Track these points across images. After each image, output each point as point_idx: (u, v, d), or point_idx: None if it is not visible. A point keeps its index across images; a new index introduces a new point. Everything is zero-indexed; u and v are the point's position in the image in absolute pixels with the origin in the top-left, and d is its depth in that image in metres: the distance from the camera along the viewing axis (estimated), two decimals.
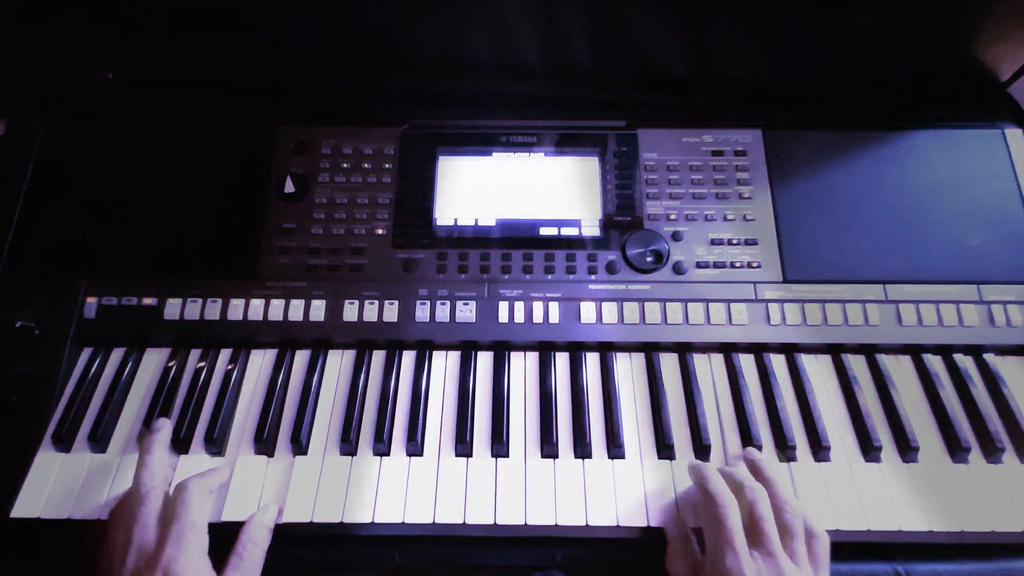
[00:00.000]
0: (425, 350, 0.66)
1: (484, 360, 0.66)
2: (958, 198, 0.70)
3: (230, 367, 0.65)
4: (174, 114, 0.75)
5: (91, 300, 0.66)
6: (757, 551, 0.49)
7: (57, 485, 0.58)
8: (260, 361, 0.66)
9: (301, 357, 0.66)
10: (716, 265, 0.68)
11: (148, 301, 0.66)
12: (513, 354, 0.66)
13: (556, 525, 0.55)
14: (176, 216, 0.70)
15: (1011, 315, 0.65)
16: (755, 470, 0.55)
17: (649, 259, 0.68)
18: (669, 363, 0.65)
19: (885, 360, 0.65)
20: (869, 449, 0.59)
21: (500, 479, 0.58)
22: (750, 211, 0.70)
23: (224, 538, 0.52)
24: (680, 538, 0.54)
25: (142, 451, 0.56)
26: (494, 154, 0.73)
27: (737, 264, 0.68)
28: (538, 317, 0.66)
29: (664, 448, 0.59)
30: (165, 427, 0.59)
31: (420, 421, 0.61)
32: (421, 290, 0.67)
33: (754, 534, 0.49)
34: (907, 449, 0.59)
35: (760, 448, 0.60)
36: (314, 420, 0.62)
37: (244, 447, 0.60)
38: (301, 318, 0.65)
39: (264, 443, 0.60)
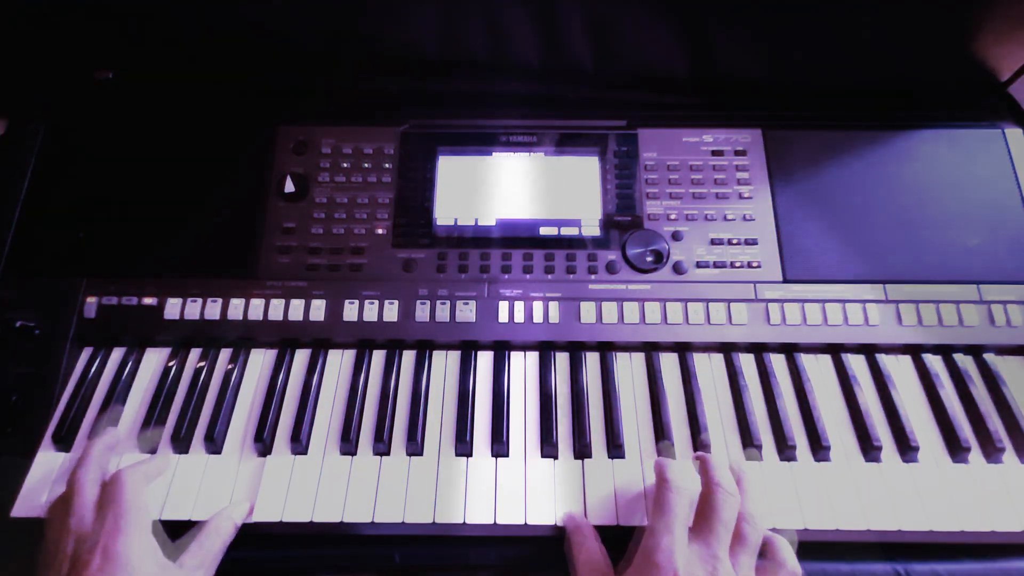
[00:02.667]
0: (425, 350, 0.66)
1: (484, 360, 0.66)
2: (958, 198, 0.70)
3: (230, 367, 0.65)
4: (174, 114, 0.75)
5: (91, 300, 0.66)
6: (698, 544, 0.47)
7: (57, 485, 0.58)
8: (260, 361, 0.66)
9: (301, 357, 0.66)
10: (716, 265, 0.68)
11: (148, 301, 0.66)
12: (513, 354, 0.66)
13: (556, 525, 0.55)
14: (176, 216, 0.70)
15: (1011, 315, 0.65)
16: (737, 480, 0.53)
17: (649, 259, 0.68)
18: (669, 363, 0.65)
19: (885, 360, 0.65)
20: (869, 449, 0.59)
21: (500, 479, 0.58)
22: (750, 211, 0.70)
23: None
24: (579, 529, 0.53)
25: (83, 452, 0.55)
26: (494, 154, 0.73)
27: (737, 264, 0.68)
28: (538, 317, 0.66)
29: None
30: (108, 432, 0.59)
31: (420, 421, 0.61)
32: (421, 290, 0.67)
33: (703, 527, 0.48)
34: (907, 449, 0.59)
35: (760, 448, 0.59)
36: (314, 420, 0.62)
37: (244, 447, 0.60)
38: (301, 318, 0.65)
39: (264, 443, 0.60)
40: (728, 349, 0.66)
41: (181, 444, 0.60)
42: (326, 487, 0.57)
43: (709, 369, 0.65)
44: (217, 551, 0.52)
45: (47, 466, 0.59)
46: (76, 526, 0.50)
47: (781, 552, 0.50)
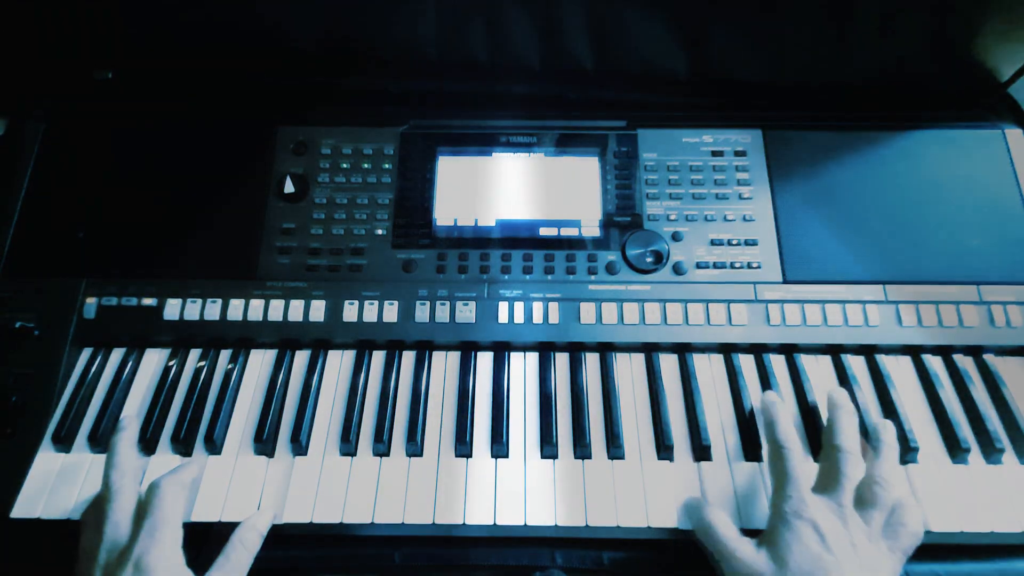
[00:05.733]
0: (425, 350, 0.66)
1: (484, 360, 0.66)
2: (958, 198, 0.70)
3: (230, 367, 0.65)
4: (174, 114, 0.75)
5: (91, 300, 0.66)
6: (825, 495, 0.48)
7: (57, 485, 0.58)
8: (260, 361, 0.66)
9: (301, 357, 0.66)
10: (716, 265, 0.68)
11: (148, 301, 0.66)
12: (513, 354, 0.66)
13: (556, 525, 0.55)
14: (176, 216, 0.70)
15: (1011, 316, 0.65)
16: (876, 436, 0.55)
17: (649, 259, 0.68)
18: (669, 363, 0.65)
19: (885, 361, 0.65)
20: None
21: (500, 479, 0.58)
22: (750, 211, 0.70)
23: (218, 539, 0.52)
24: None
25: (110, 450, 0.55)
26: (494, 154, 0.73)
27: (737, 264, 0.68)
28: (538, 317, 0.66)
29: (664, 448, 0.59)
30: (131, 424, 0.58)
31: (420, 421, 0.61)
32: (421, 290, 0.67)
33: (827, 483, 0.49)
34: (906, 450, 0.59)
35: (760, 448, 0.59)
36: (314, 420, 0.62)
37: (244, 447, 0.60)
38: (301, 318, 0.65)
39: (264, 443, 0.60)
40: (728, 350, 0.66)
41: (181, 445, 0.60)
42: (326, 488, 0.57)
43: (709, 370, 0.65)
44: (245, 564, 0.52)
45: (47, 467, 0.59)
46: (111, 533, 0.49)
47: (906, 514, 0.50)
